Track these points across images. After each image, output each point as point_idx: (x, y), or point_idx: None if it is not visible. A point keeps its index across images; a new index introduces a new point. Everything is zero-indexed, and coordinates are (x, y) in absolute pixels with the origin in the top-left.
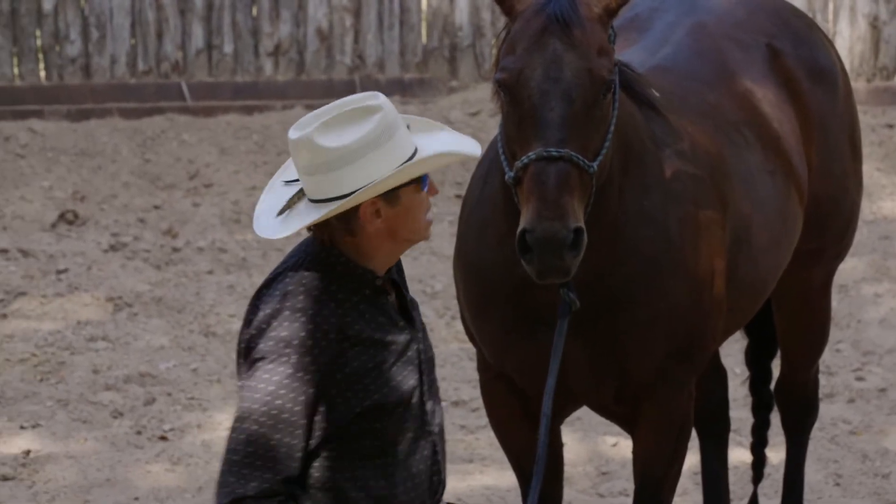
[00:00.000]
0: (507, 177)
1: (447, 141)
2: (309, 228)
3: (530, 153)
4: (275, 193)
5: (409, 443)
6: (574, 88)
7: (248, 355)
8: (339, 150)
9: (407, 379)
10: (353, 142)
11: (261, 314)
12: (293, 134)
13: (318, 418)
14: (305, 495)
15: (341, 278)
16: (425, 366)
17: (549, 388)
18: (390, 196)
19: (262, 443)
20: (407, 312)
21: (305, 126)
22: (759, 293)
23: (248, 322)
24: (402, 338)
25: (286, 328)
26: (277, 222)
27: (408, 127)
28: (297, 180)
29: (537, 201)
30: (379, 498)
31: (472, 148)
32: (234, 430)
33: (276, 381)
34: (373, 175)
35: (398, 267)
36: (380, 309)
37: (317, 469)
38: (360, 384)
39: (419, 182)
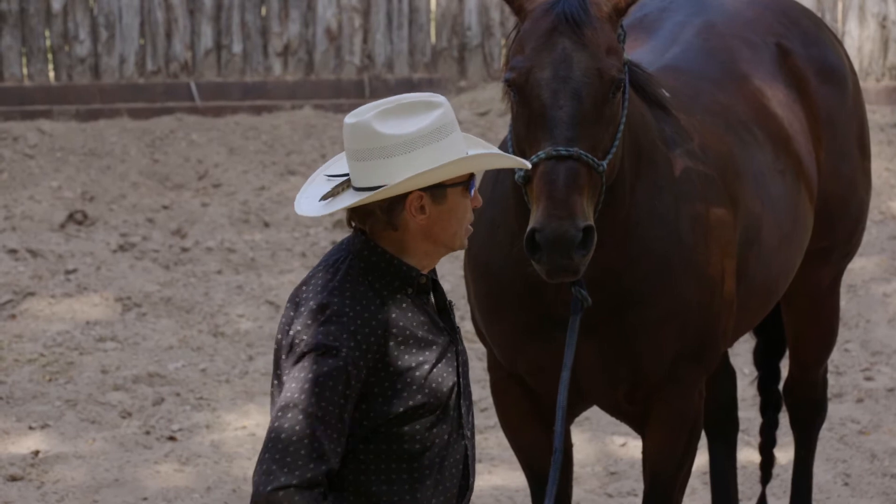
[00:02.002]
0: (516, 176)
1: (496, 152)
2: (351, 224)
3: (540, 152)
4: (317, 184)
5: (444, 446)
6: (583, 87)
7: (292, 349)
8: (397, 138)
9: (447, 380)
10: (412, 132)
11: (306, 310)
12: (350, 119)
13: (359, 415)
14: (335, 495)
15: (385, 275)
16: (462, 368)
17: (564, 380)
18: (438, 193)
19: (307, 433)
20: (446, 313)
21: (364, 113)
22: (771, 293)
23: (290, 317)
24: (442, 339)
25: (333, 323)
26: (320, 206)
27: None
28: (341, 175)
29: (547, 200)
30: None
31: (518, 163)
32: (277, 418)
33: (324, 373)
34: (425, 167)
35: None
36: (421, 308)
37: (350, 470)
38: (403, 382)
39: (467, 185)
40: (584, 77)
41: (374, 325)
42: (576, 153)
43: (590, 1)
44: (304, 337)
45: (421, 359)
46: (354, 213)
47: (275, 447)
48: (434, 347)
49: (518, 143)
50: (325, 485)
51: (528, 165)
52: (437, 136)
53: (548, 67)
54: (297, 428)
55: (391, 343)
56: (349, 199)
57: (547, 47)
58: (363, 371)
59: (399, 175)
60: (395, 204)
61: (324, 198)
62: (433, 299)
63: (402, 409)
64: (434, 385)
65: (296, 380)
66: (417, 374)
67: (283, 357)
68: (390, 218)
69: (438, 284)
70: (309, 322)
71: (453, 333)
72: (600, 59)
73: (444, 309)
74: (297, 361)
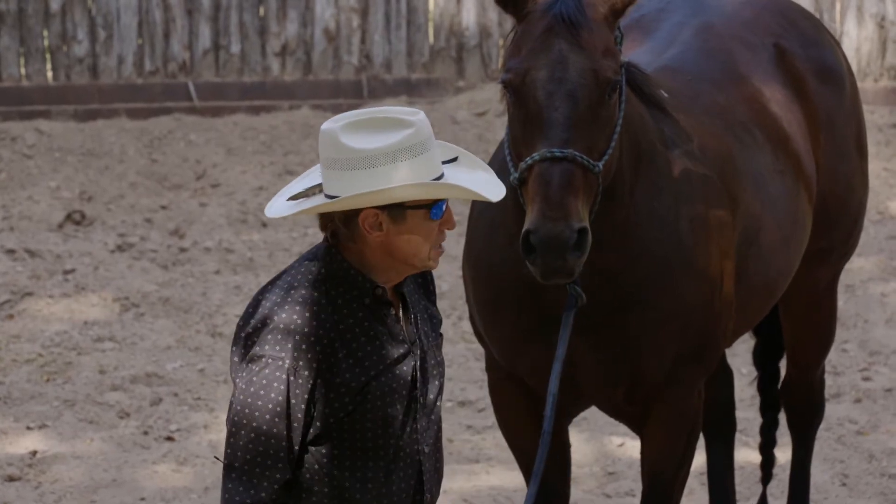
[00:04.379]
0: (511, 177)
1: (475, 180)
2: (324, 230)
3: (534, 154)
4: (300, 183)
5: (391, 459)
6: (579, 89)
7: (245, 351)
8: (358, 152)
9: (395, 398)
10: (374, 148)
11: (262, 310)
12: (323, 126)
13: (311, 418)
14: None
15: (342, 284)
16: (421, 384)
17: (555, 371)
18: (396, 213)
19: (262, 445)
20: (412, 327)
21: (337, 121)
22: (770, 294)
23: (248, 315)
24: (397, 351)
25: (280, 332)
26: (288, 206)
27: (455, 159)
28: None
29: (541, 202)
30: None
31: (495, 193)
32: (231, 434)
33: (266, 385)
34: (380, 185)
35: (426, 280)
36: (379, 320)
37: (307, 470)
38: (348, 395)
39: (429, 209)
40: (579, 78)
41: (322, 334)
42: (570, 154)
43: (587, 2)
44: (256, 340)
45: (369, 374)
46: (322, 219)
47: (230, 467)
48: (387, 362)
49: (514, 144)
50: (283, 496)
51: (497, 198)
52: (401, 156)
53: (544, 69)
54: (252, 442)
55: (340, 354)
56: (312, 203)
57: (543, 49)
58: (309, 380)
59: (353, 189)
60: (351, 218)
61: (294, 197)
62: (401, 312)
63: (342, 416)
64: (373, 395)
65: (242, 391)
66: (354, 384)
67: (234, 350)
68: (348, 230)
69: (406, 297)
70: (262, 325)
71: (414, 348)
72: (596, 61)
73: (410, 321)
74: (248, 365)
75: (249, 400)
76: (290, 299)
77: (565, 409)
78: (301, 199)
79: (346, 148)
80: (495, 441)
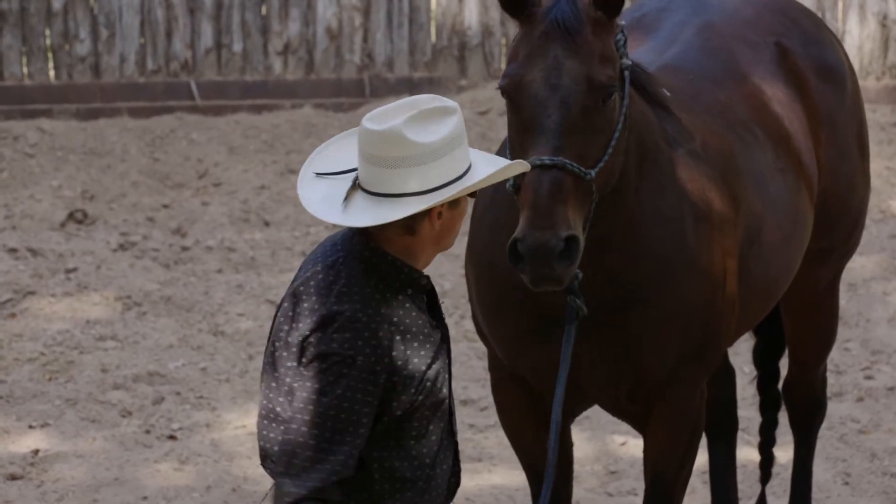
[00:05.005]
0: (507, 184)
1: (491, 159)
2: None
3: (526, 161)
4: (314, 185)
5: (438, 444)
6: (572, 95)
7: (303, 353)
8: (426, 146)
9: (445, 380)
10: (440, 139)
11: (314, 315)
12: (375, 126)
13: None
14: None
15: (386, 277)
16: (450, 366)
17: (558, 397)
18: (455, 199)
19: (324, 441)
20: (438, 311)
21: (388, 120)
22: (771, 293)
23: (289, 315)
24: (436, 336)
25: (347, 330)
26: (358, 214)
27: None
28: (331, 174)
29: (529, 210)
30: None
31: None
32: (293, 422)
33: (342, 383)
34: (451, 174)
35: None
36: (419, 307)
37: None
38: (410, 379)
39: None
40: (573, 85)
41: (386, 328)
42: (560, 162)
43: (583, 8)
44: (316, 343)
45: (423, 353)
46: None
47: (293, 453)
48: (430, 345)
49: (512, 150)
50: (338, 493)
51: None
52: (457, 143)
53: (538, 75)
54: (315, 434)
55: (398, 341)
56: (382, 205)
57: (539, 54)
58: (381, 375)
59: (429, 182)
60: (418, 212)
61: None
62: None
63: (408, 406)
64: (432, 381)
65: (309, 389)
66: (422, 369)
67: (285, 355)
68: (410, 223)
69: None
70: (320, 328)
71: (446, 332)
72: (591, 67)
73: (437, 307)
74: (309, 368)
75: (325, 399)
76: (343, 297)
77: (569, 410)
78: (346, 203)
79: (416, 144)
80: (498, 440)
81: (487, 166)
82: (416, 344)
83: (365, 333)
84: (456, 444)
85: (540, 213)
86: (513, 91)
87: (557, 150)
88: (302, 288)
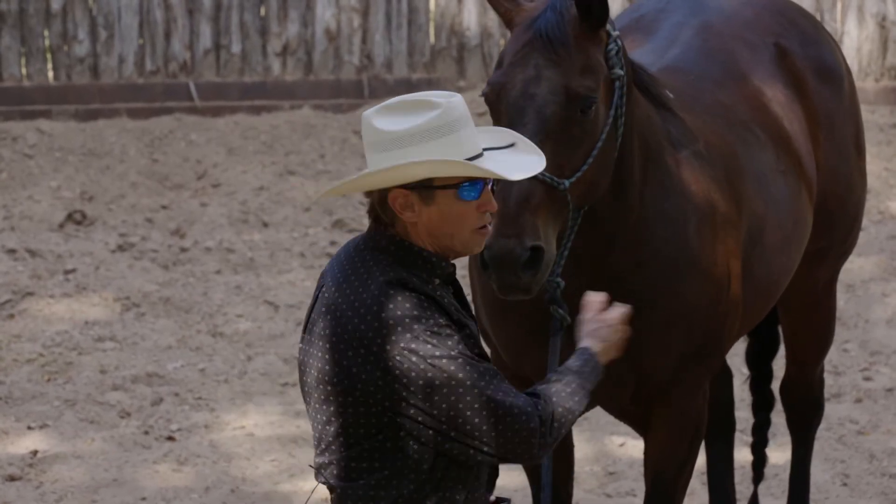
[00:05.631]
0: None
1: (509, 162)
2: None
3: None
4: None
5: None
6: (548, 105)
7: (380, 354)
8: (389, 134)
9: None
10: (402, 129)
11: (367, 314)
12: (366, 111)
13: None
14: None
15: (415, 265)
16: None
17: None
18: (425, 194)
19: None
20: (466, 305)
21: (372, 108)
22: (772, 294)
23: (339, 324)
24: (473, 324)
25: (436, 336)
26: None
27: (512, 144)
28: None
29: (497, 218)
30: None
31: (516, 174)
32: (477, 399)
33: (469, 371)
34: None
35: None
36: (449, 295)
37: (414, 441)
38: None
39: (457, 189)
40: (549, 95)
41: (446, 315)
42: None
43: (568, 18)
44: (391, 343)
45: (468, 344)
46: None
47: (509, 405)
48: (471, 330)
49: None
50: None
51: (504, 176)
52: (430, 136)
53: (518, 84)
54: (498, 380)
55: (457, 328)
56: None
57: (521, 64)
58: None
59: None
60: (383, 199)
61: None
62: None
63: None
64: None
65: (435, 357)
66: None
67: (354, 361)
68: (384, 213)
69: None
70: (384, 327)
71: (475, 325)
72: (570, 78)
73: (464, 300)
74: (431, 380)
75: (445, 361)
76: (394, 292)
77: None
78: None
79: (378, 131)
80: None
81: (490, 164)
82: (465, 331)
83: (439, 320)
84: None
85: (507, 222)
86: (494, 99)
87: None
88: (340, 301)
